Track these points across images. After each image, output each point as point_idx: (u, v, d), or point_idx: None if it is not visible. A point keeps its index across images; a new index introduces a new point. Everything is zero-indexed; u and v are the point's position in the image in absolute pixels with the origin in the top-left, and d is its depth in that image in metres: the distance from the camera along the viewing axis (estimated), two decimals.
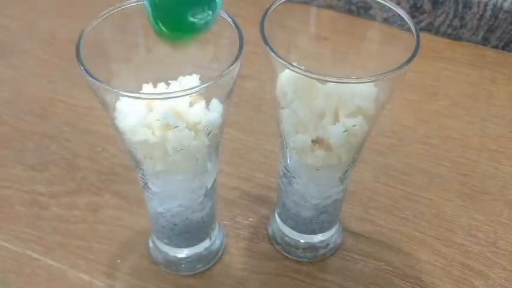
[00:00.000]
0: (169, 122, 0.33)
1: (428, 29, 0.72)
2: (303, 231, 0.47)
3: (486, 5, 0.66)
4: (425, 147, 0.58)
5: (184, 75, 0.36)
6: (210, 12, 0.30)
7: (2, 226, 0.50)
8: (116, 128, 0.35)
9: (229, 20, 0.34)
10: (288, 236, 0.48)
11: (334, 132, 0.35)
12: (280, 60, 0.33)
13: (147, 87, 0.36)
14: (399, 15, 0.35)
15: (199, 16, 0.30)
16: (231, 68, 0.32)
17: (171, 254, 0.46)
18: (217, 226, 0.48)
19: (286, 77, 0.35)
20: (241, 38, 0.33)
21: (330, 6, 0.39)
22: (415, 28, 0.34)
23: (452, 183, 0.54)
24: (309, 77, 0.32)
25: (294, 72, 0.33)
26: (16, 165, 0.55)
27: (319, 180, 0.41)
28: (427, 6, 0.69)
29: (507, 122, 0.61)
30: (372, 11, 0.37)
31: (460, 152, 0.57)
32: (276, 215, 0.49)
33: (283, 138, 0.39)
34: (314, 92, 0.35)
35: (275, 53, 0.33)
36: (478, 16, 0.68)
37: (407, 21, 0.35)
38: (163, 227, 0.43)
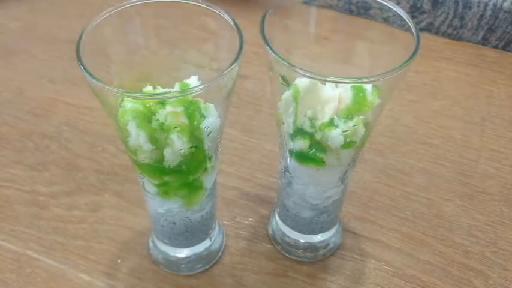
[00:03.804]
0: (169, 122, 0.33)
1: (428, 29, 0.72)
2: (303, 231, 0.47)
3: (486, 5, 0.66)
4: (425, 147, 0.58)
5: (183, 75, 0.36)
6: None
7: (2, 226, 0.50)
8: (117, 129, 0.35)
9: (229, 20, 0.34)
10: (288, 236, 0.48)
11: (333, 132, 0.35)
12: (280, 60, 0.33)
13: (147, 89, 0.36)
14: (399, 15, 0.35)
15: None
16: (231, 68, 0.32)
17: (171, 254, 0.46)
18: (217, 226, 0.48)
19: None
20: (241, 38, 0.33)
21: (330, 6, 0.39)
22: (415, 28, 0.34)
23: (452, 183, 0.54)
24: (309, 77, 0.32)
25: (294, 72, 0.33)
26: (16, 165, 0.55)
27: (319, 180, 0.41)
28: (427, 6, 0.69)
29: (507, 122, 0.61)
30: (372, 11, 0.37)
31: (460, 152, 0.57)
32: (276, 215, 0.49)
33: (283, 138, 0.39)
34: (314, 92, 0.35)
35: (275, 53, 0.33)
36: (478, 16, 0.68)
37: (407, 21, 0.35)
38: (163, 226, 0.43)
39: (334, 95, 0.35)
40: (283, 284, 0.46)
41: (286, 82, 0.35)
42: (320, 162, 0.38)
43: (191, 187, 0.39)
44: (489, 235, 0.50)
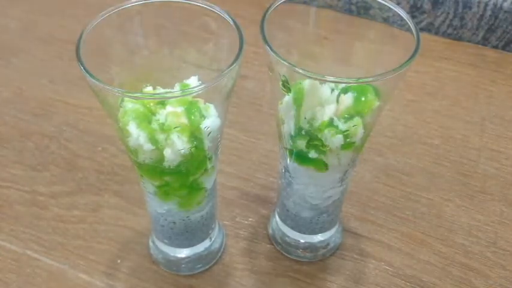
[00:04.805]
0: (169, 122, 0.33)
1: (428, 29, 0.72)
2: (303, 231, 0.47)
3: (486, 5, 0.66)
4: (425, 147, 0.58)
5: (183, 75, 0.36)
6: None
7: (2, 226, 0.50)
8: (118, 129, 0.35)
9: (229, 20, 0.34)
10: (288, 236, 0.48)
11: (333, 133, 0.35)
12: (280, 60, 0.33)
13: (147, 89, 0.36)
14: (399, 15, 0.35)
15: None
16: (231, 68, 0.32)
17: (171, 254, 0.46)
18: (217, 226, 0.48)
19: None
20: (241, 38, 0.33)
21: (330, 6, 0.39)
22: (415, 28, 0.34)
23: (452, 183, 0.54)
24: (309, 77, 0.32)
25: (294, 72, 0.33)
26: (16, 165, 0.55)
27: (319, 180, 0.41)
28: (427, 6, 0.69)
29: (507, 122, 0.61)
30: (372, 11, 0.37)
31: (460, 152, 0.57)
32: (276, 215, 0.49)
33: (283, 139, 0.39)
34: (314, 92, 0.35)
35: (275, 53, 0.33)
36: (478, 16, 0.68)
37: (407, 21, 0.35)
38: (163, 226, 0.43)
39: (334, 96, 0.35)
40: (283, 284, 0.46)
41: (288, 89, 0.35)
42: (320, 164, 0.38)
43: (191, 188, 0.39)
44: (489, 235, 0.50)
